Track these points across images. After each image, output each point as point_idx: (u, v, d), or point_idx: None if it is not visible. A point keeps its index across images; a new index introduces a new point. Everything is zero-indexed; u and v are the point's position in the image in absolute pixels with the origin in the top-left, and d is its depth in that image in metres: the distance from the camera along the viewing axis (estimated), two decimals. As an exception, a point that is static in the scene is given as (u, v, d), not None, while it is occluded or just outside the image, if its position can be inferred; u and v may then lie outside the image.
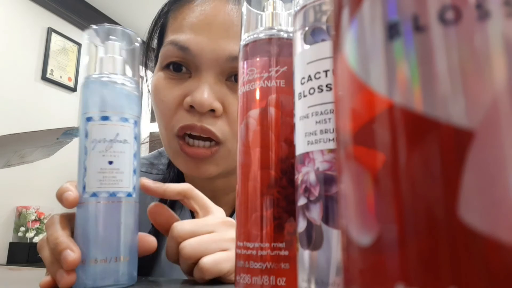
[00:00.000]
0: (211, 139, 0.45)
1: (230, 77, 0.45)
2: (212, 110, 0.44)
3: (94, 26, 0.36)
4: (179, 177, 0.57)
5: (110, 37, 0.36)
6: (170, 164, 0.59)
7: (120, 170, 0.34)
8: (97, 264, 0.33)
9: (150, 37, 0.53)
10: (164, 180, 0.57)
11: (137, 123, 0.35)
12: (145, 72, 0.53)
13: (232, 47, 0.44)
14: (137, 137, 0.35)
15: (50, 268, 0.34)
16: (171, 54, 0.46)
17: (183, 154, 0.46)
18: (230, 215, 0.53)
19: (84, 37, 0.36)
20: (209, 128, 0.44)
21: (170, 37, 0.47)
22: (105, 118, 0.33)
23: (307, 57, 0.21)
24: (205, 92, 0.43)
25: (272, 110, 0.25)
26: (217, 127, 0.44)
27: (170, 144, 0.48)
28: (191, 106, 0.44)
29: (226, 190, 0.53)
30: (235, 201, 0.49)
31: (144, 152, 2.86)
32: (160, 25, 0.52)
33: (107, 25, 0.36)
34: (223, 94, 0.45)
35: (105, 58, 0.35)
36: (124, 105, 0.34)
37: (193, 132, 0.45)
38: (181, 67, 0.46)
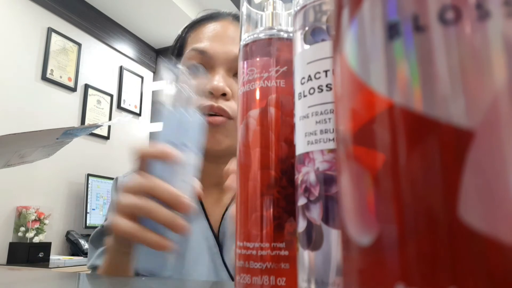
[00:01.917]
0: (222, 114, 0.60)
1: (235, 74, 0.62)
2: (224, 94, 0.59)
3: (166, 63, 0.42)
4: None
5: (182, 74, 0.42)
6: None
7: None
8: None
9: (173, 49, 0.70)
10: None
11: (193, 149, 0.41)
12: None
13: (237, 50, 0.53)
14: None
15: (168, 218, 0.39)
16: (193, 57, 0.62)
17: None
18: (231, 200, 0.62)
19: (161, 71, 0.42)
20: (222, 107, 0.59)
21: (190, 46, 0.64)
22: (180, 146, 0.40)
23: (307, 57, 0.21)
24: (220, 81, 0.59)
25: (272, 110, 0.25)
26: (228, 106, 0.60)
27: None
28: (210, 92, 0.59)
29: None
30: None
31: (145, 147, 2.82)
32: (179, 46, 0.69)
33: (179, 65, 0.44)
34: (231, 84, 0.61)
35: (177, 92, 0.41)
36: (186, 134, 0.40)
37: (211, 111, 0.59)
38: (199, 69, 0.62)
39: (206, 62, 0.61)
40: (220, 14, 0.67)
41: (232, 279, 0.52)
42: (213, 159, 0.60)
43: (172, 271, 0.57)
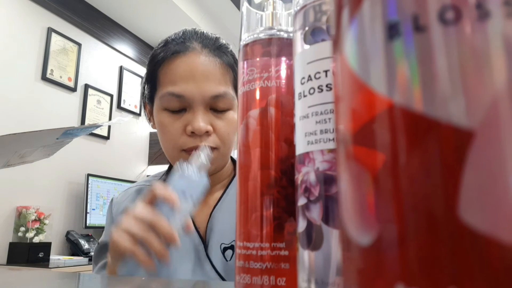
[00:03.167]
0: None
1: (212, 108, 0.67)
2: (206, 132, 0.65)
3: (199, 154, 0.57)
4: None
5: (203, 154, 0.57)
6: (168, 172, 0.77)
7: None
8: None
9: (146, 81, 0.73)
10: (164, 182, 0.73)
11: (193, 200, 0.54)
12: (144, 98, 0.76)
13: (212, 89, 0.65)
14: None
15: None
16: (171, 101, 0.66)
17: None
18: (218, 199, 0.70)
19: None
20: (207, 145, 0.65)
21: (167, 88, 0.66)
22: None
23: (307, 57, 0.21)
24: (200, 122, 0.64)
25: (272, 110, 0.25)
26: (211, 141, 0.66)
27: (180, 156, 0.68)
28: (192, 132, 0.65)
29: (215, 182, 0.73)
30: (222, 189, 0.72)
31: (145, 147, 2.83)
32: (151, 82, 0.71)
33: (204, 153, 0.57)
34: (211, 120, 0.66)
35: (198, 161, 0.56)
36: (193, 189, 0.55)
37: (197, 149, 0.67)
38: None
39: (184, 103, 0.66)
40: (186, 43, 0.68)
41: (216, 270, 0.62)
42: None
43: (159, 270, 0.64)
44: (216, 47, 0.68)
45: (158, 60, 0.69)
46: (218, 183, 0.73)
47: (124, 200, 0.75)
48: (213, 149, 0.66)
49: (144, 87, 0.74)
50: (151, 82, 0.71)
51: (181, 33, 0.71)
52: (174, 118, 0.67)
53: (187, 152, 0.66)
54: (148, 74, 0.72)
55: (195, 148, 0.65)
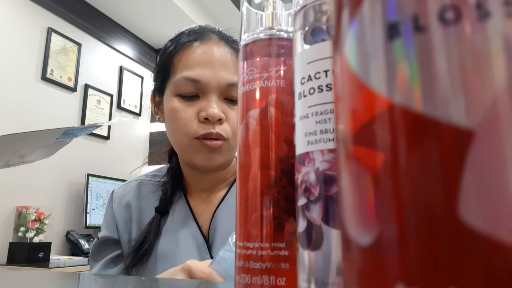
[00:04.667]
0: (219, 138, 0.66)
1: (226, 98, 0.67)
2: (219, 119, 0.65)
3: None
4: (177, 179, 0.74)
5: None
6: (169, 172, 0.76)
7: None
8: None
9: (157, 72, 0.72)
10: (165, 183, 0.73)
11: None
12: (154, 91, 0.75)
13: (228, 77, 0.66)
14: None
15: None
16: (186, 86, 0.66)
17: (203, 148, 0.66)
18: (222, 198, 0.70)
19: None
20: (220, 133, 0.65)
21: (183, 72, 0.66)
22: None
23: (307, 57, 0.21)
24: (215, 108, 0.64)
25: (272, 110, 0.25)
26: (223, 130, 0.65)
27: (191, 144, 0.66)
28: (206, 118, 0.64)
29: (220, 180, 0.72)
30: (226, 188, 0.71)
31: (145, 147, 2.84)
32: (164, 68, 0.70)
33: None
34: (224, 108, 0.66)
35: None
36: None
37: (211, 137, 0.66)
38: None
39: (199, 89, 0.65)
40: (204, 34, 0.69)
41: None
42: (204, 171, 0.70)
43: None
44: (231, 41, 0.70)
45: (173, 47, 0.69)
46: (223, 181, 0.72)
47: (126, 194, 0.73)
48: (223, 139, 0.65)
49: (155, 79, 0.73)
50: (164, 72, 0.70)
51: (198, 27, 0.71)
52: (187, 104, 0.66)
53: (199, 139, 0.65)
54: (160, 64, 0.71)
55: (208, 135, 0.65)
